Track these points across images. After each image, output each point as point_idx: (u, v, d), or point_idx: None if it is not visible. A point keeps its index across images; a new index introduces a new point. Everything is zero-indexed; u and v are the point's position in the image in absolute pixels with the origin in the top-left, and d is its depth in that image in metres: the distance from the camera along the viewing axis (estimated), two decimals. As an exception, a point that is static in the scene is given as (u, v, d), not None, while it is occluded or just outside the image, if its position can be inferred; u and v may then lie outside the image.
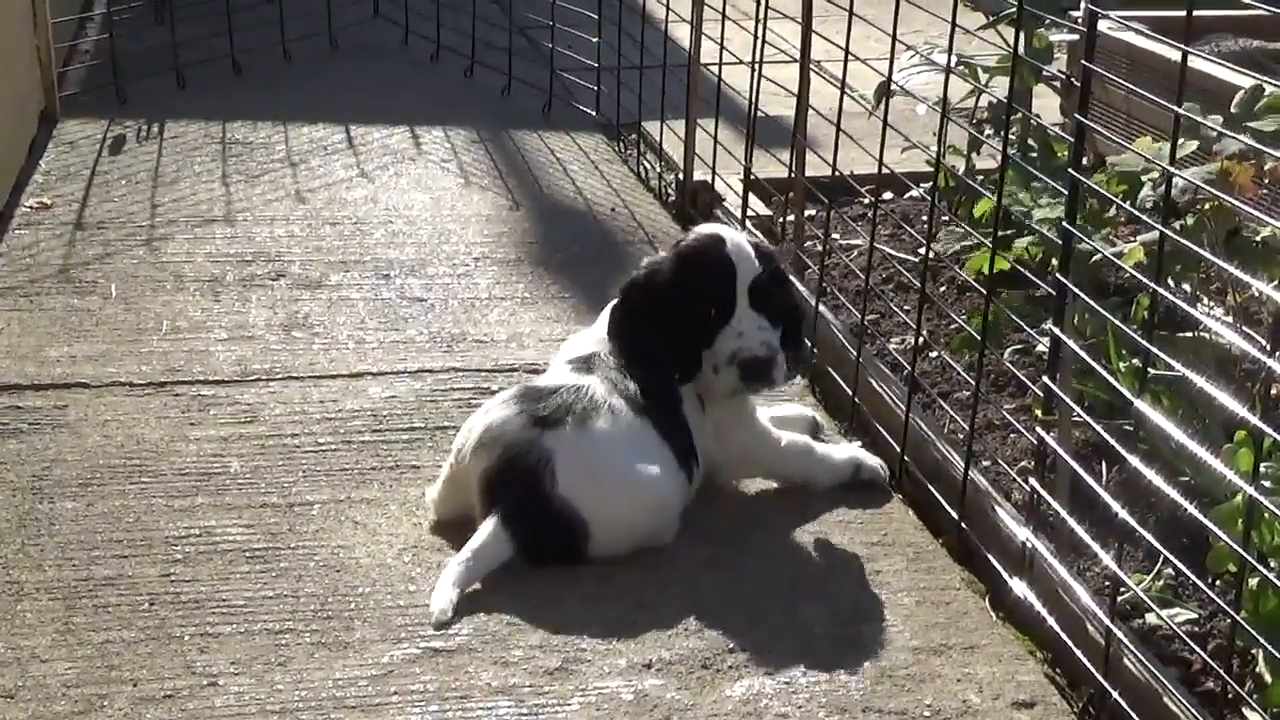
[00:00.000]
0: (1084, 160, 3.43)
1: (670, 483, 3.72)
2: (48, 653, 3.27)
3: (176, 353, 4.65)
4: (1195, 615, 3.51)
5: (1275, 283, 4.23)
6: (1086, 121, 3.35)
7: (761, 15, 5.16)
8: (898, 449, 4.07)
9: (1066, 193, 3.40)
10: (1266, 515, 3.18)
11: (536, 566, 3.59)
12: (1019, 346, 4.69)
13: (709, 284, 3.90)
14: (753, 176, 5.45)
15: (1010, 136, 4.60)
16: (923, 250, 4.05)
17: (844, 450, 4.10)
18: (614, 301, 4.02)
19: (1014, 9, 4.99)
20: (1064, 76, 5.35)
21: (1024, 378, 4.10)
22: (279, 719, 3.10)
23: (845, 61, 4.51)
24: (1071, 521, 3.36)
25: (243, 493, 3.92)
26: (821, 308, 4.67)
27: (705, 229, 4.10)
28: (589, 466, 3.61)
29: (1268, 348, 3.58)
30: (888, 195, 6.00)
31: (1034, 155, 5.21)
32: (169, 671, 3.23)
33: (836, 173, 4.59)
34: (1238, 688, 2.96)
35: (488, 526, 3.58)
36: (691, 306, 3.89)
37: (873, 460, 4.07)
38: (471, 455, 3.68)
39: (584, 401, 3.70)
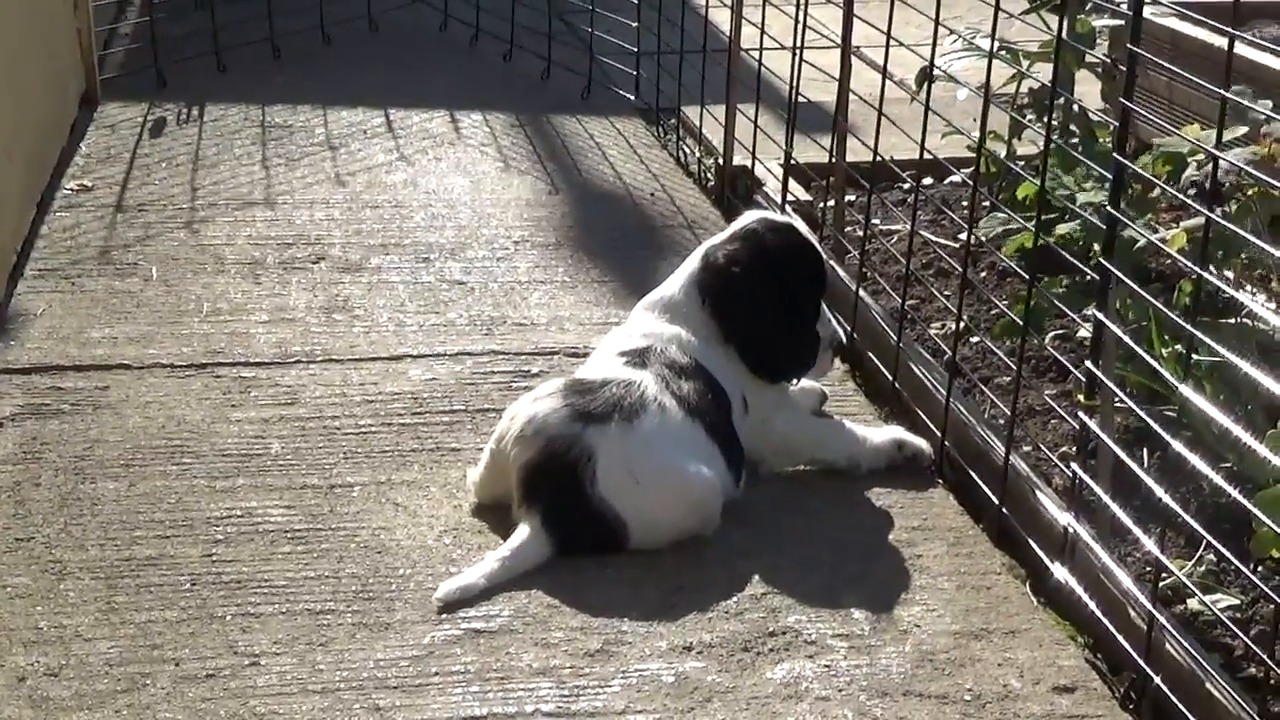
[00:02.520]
0: (1127, 145, 3.41)
1: (713, 482, 3.69)
2: (90, 631, 3.30)
3: (217, 335, 4.67)
4: (1238, 601, 3.51)
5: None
6: (1131, 106, 3.34)
7: (802, 0, 5.16)
8: (938, 434, 4.07)
9: (1110, 177, 3.40)
10: (1310, 501, 3.17)
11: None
12: (1060, 332, 4.68)
13: (822, 269, 4.06)
14: (793, 161, 5.44)
15: (1052, 122, 4.59)
16: (963, 235, 4.05)
17: (885, 431, 4.10)
18: (671, 293, 4.02)
19: (1057, -7, 4.97)
20: (1107, 61, 5.33)
21: (1066, 362, 4.10)
22: (321, 699, 3.12)
23: (886, 46, 4.50)
24: (1114, 506, 3.36)
25: (284, 474, 3.94)
26: (862, 293, 4.66)
27: (760, 215, 4.13)
28: (630, 466, 3.59)
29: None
30: (928, 180, 5.99)
31: (1075, 141, 5.19)
32: (211, 651, 3.25)
33: (877, 158, 4.59)
34: (1281, 674, 2.95)
35: (527, 528, 3.59)
36: (815, 292, 4.04)
37: (915, 439, 4.07)
38: (513, 444, 3.68)
39: (633, 398, 3.68)
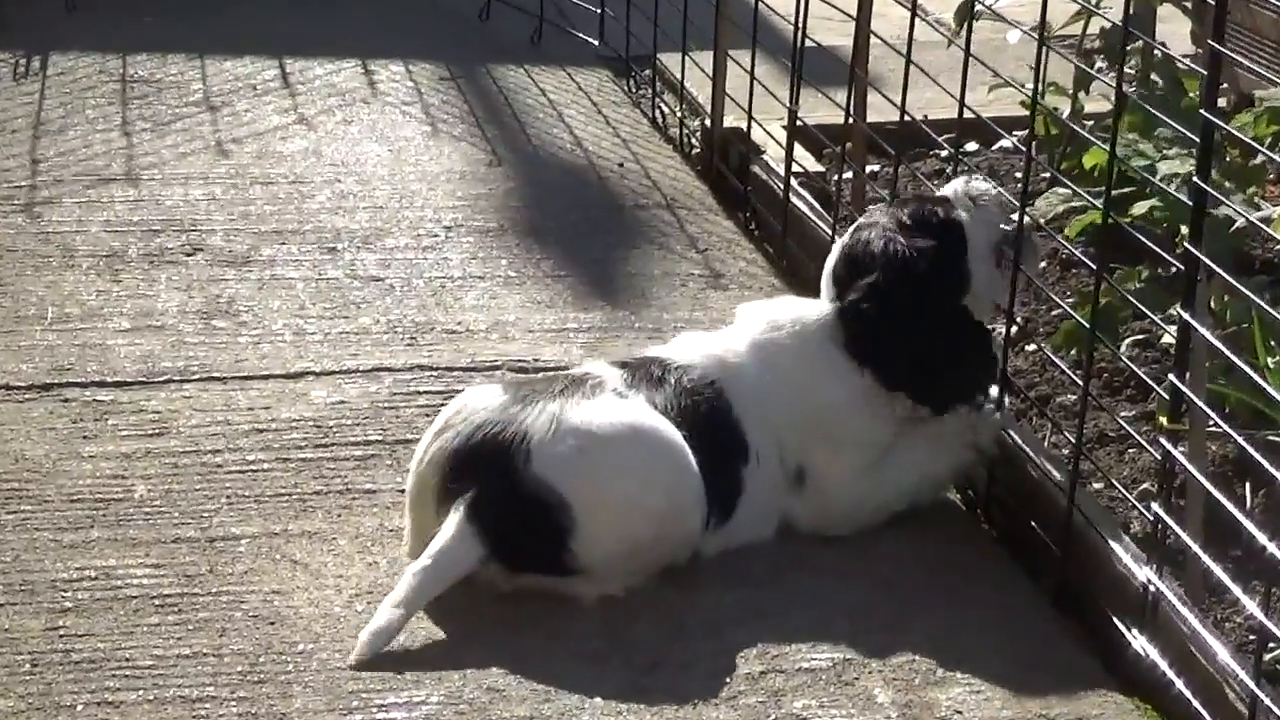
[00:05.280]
0: (1222, 100, 3.44)
1: (682, 452, 3.75)
2: (-96, 726, 3.31)
3: (65, 347, 4.67)
4: (1363, 678, 3.53)
5: None
6: (1224, 50, 3.36)
7: (810, -83, 5.18)
8: (984, 469, 4.09)
9: (1198, 141, 3.42)
10: None
11: (514, 570, 3.65)
12: (1140, 337, 4.70)
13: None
14: (799, 123, 5.46)
15: (1129, 70, 4.62)
16: (1016, 216, 4.07)
17: (947, 450, 4.10)
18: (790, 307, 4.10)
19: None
20: (1197, -7, 5.37)
21: (1146, 377, 4.12)
22: (198, 809, 3.13)
23: (917, -25, 4.53)
24: (1206, 558, 3.37)
25: (150, 524, 3.94)
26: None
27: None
28: (574, 432, 3.67)
29: None
30: (972, 146, 6.02)
31: (1160, 94, 5.22)
32: (58, 750, 3.26)
33: (906, 117, 4.61)
34: None
35: (450, 525, 3.63)
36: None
37: (983, 436, 4.08)
38: (432, 440, 3.76)
39: (589, 385, 3.79)
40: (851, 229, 4.12)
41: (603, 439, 3.68)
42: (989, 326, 4.09)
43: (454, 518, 3.63)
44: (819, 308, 4.06)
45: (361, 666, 3.43)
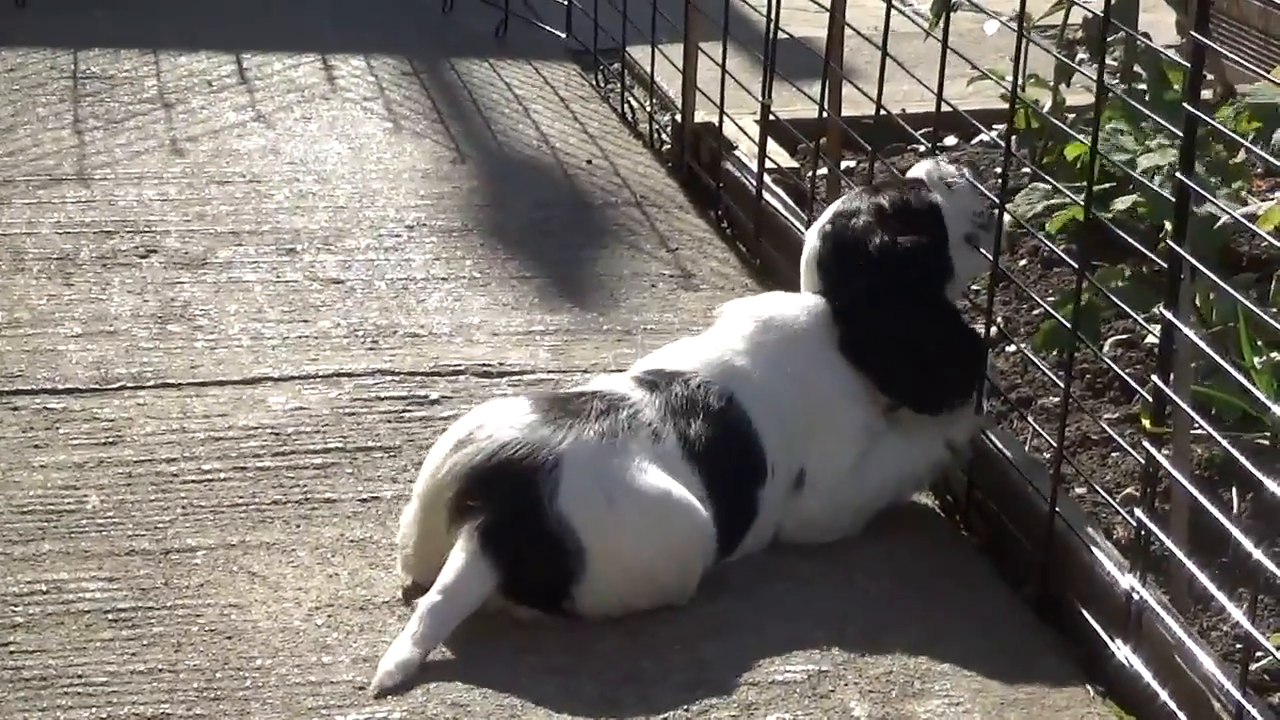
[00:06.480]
0: (1206, 92, 3.45)
1: (705, 524, 3.74)
2: None
3: (15, 353, 4.67)
4: (1352, 687, 3.54)
5: None
6: (1206, 41, 3.37)
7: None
8: (963, 474, 4.10)
9: (1181, 134, 3.43)
10: None
11: (512, 599, 3.62)
12: (1123, 337, 4.71)
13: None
14: (772, 117, 5.46)
15: (1111, 61, 4.63)
16: (989, 202, 4.08)
17: (925, 447, 4.11)
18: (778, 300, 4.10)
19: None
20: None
21: (1129, 379, 4.13)
22: (153, 831, 3.13)
23: (893, -35, 4.53)
24: (1191, 565, 3.38)
25: (103, 536, 3.94)
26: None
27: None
28: (604, 482, 3.64)
29: None
30: (950, 140, 6.02)
31: (1142, 87, 5.23)
32: (8, 770, 3.25)
33: (883, 111, 4.62)
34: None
35: (461, 554, 3.59)
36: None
37: (959, 434, 4.10)
38: (452, 450, 3.70)
39: (622, 415, 3.74)
40: (832, 214, 4.11)
41: (635, 498, 3.65)
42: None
43: (466, 545, 3.59)
44: (810, 302, 4.06)
45: (381, 693, 3.42)
